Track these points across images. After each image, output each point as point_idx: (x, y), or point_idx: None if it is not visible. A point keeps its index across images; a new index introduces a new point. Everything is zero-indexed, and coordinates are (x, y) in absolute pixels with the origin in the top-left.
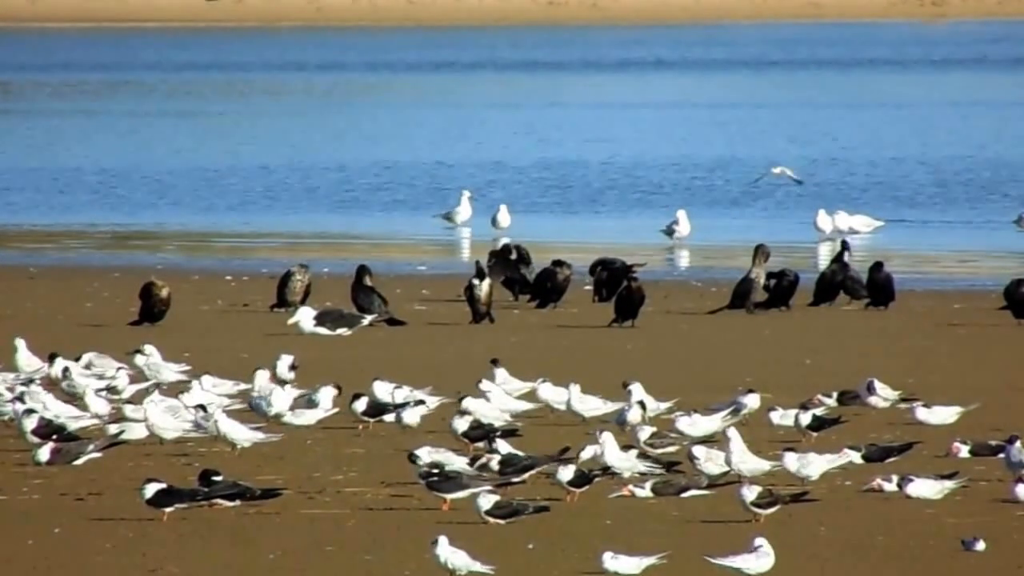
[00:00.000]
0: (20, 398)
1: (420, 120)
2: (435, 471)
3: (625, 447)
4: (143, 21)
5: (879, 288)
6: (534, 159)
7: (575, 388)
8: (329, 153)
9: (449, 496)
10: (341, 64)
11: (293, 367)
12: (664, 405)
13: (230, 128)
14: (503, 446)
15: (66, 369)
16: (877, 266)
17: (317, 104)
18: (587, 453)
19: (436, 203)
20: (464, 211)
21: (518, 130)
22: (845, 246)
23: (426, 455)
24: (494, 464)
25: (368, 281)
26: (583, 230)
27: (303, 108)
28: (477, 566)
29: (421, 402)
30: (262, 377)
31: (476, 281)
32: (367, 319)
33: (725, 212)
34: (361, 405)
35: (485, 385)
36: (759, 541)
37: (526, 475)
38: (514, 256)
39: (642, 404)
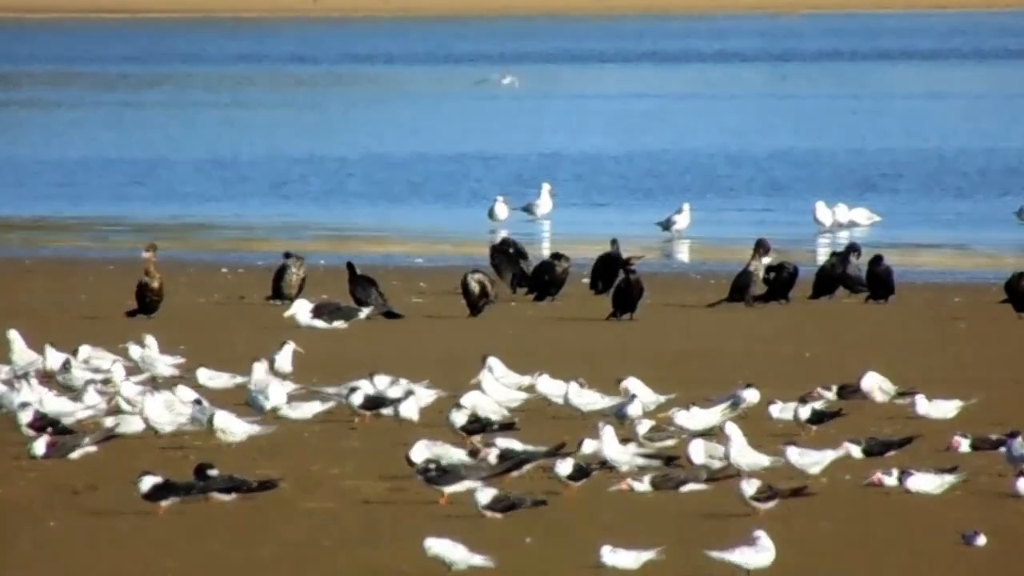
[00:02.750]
0: (13, 383)
1: (418, 113)
2: (432, 465)
3: (624, 441)
4: (141, 13)
5: (879, 281)
6: (528, 151)
7: (574, 384)
8: (326, 146)
9: (447, 490)
10: (338, 56)
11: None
12: (662, 398)
13: (226, 120)
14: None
15: (67, 360)
16: (877, 259)
17: (315, 98)
18: (587, 447)
19: (435, 198)
20: (544, 203)
21: (517, 122)
22: (856, 249)
23: (423, 450)
24: (492, 458)
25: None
26: (586, 223)
27: (301, 101)
28: (477, 560)
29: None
30: (260, 370)
31: (469, 277)
32: (364, 312)
33: (727, 205)
34: (358, 398)
35: (485, 378)
36: (758, 534)
37: (524, 468)
38: (512, 250)
39: (633, 396)
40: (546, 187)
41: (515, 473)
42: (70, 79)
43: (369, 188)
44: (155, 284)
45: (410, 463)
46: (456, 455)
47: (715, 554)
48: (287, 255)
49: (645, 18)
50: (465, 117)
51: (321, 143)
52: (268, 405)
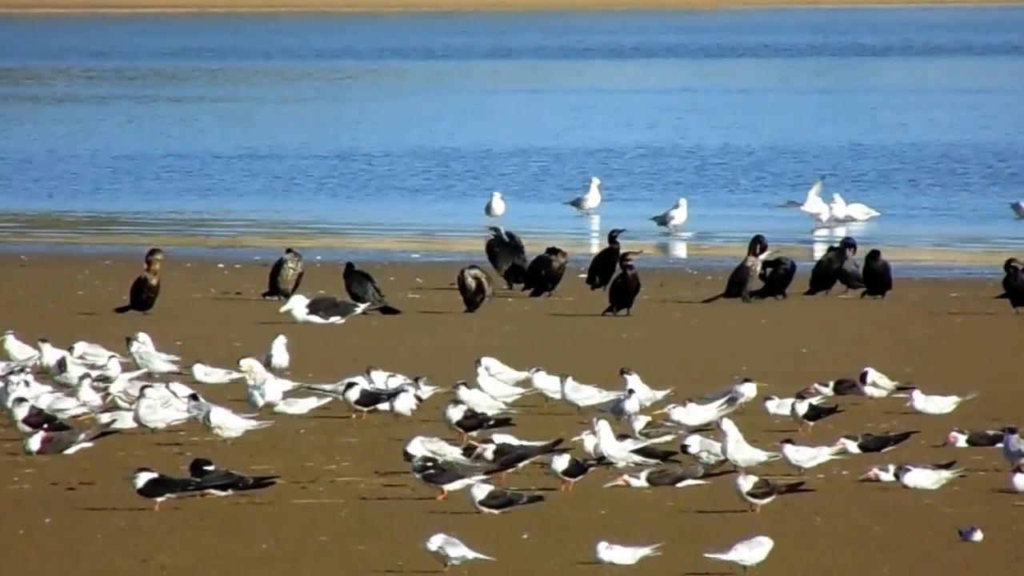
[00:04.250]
0: (8, 379)
1: (418, 108)
2: (429, 463)
3: (621, 436)
4: (140, 8)
5: (876, 276)
6: (525, 146)
7: (570, 380)
8: (324, 142)
9: (446, 487)
10: (338, 52)
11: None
12: (659, 394)
13: (225, 116)
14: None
15: (63, 356)
16: (874, 254)
17: (315, 93)
18: (585, 443)
19: (433, 192)
20: (593, 198)
21: (514, 117)
22: (850, 244)
23: (419, 446)
24: (489, 454)
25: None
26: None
27: (299, 96)
28: (474, 555)
29: (419, 398)
30: (258, 366)
31: (466, 273)
32: (360, 307)
33: (724, 199)
34: (354, 394)
35: (481, 376)
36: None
37: (520, 464)
38: (509, 242)
39: (631, 392)
40: (595, 181)
41: (510, 468)
42: (69, 74)
43: (369, 185)
44: (153, 281)
45: (407, 457)
46: (452, 452)
47: (712, 553)
48: (288, 251)
49: (648, 15)
50: (467, 113)
51: (320, 141)
52: (262, 401)
